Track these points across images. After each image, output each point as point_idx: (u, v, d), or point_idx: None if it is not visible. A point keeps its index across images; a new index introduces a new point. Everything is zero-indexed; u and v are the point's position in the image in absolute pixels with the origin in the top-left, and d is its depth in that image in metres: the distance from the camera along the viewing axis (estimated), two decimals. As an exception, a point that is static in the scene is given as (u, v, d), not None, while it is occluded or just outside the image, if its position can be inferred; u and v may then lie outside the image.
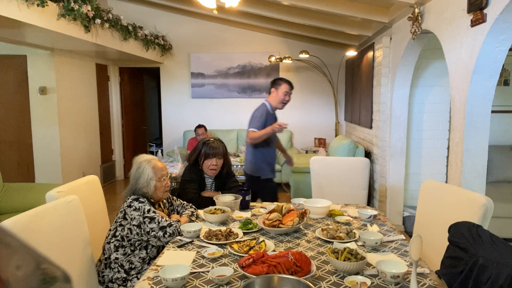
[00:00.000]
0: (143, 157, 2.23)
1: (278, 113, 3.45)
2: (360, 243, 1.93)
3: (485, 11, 2.32)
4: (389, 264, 1.58)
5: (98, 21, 4.08)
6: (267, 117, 3.29)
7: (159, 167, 2.19)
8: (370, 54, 4.92)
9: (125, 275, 2.06)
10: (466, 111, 2.58)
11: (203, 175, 2.85)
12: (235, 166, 5.16)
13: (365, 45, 5.42)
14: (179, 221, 2.15)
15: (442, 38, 2.96)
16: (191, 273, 1.61)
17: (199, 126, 5.96)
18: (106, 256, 2.09)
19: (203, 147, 2.78)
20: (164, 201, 2.36)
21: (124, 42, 5.05)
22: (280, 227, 2.07)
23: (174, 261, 1.73)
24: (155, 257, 2.10)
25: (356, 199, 3.18)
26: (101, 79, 6.50)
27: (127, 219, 2.05)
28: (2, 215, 3.50)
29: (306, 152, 6.51)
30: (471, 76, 2.50)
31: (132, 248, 2.07)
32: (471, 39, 2.51)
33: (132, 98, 7.49)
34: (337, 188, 3.21)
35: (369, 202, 4.99)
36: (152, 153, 7.22)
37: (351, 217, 2.40)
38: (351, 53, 5.67)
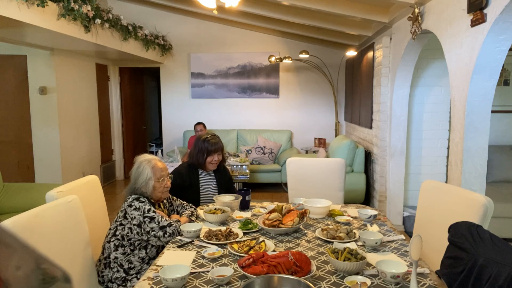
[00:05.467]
0: (144, 157, 2.24)
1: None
2: (360, 243, 1.93)
3: (485, 11, 2.32)
4: (389, 264, 1.58)
5: (98, 21, 4.08)
6: None
7: (158, 168, 2.19)
8: (370, 54, 4.92)
9: (124, 275, 2.06)
10: (466, 111, 2.58)
11: (199, 174, 2.88)
12: (235, 166, 5.16)
13: (365, 45, 5.42)
14: (179, 221, 2.15)
15: (442, 38, 2.96)
16: (191, 273, 1.61)
17: (198, 123, 5.97)
18: (105, 255, 2.10)
19: (205, 144, 2.81)
20: (164, 201, 2.37)
21: (124, 42, 5.05)
22: (280, 227, 2.07)
23: (174, 261, 1.73)
24: (154, 257, 2.10)
25: (332, 201, 3.10)
26: (101, 79, 6.50)
27: (127, 219, 2.05)
28: (2, 215, 3.50)
29: (306, 152, 6.51)
30: (471, 76, 2.50)
31: (132, 248, 2.07)
32: (471, 39, 2.51)
33: (132, 98, 7.49)
34: (312, 189, 3.12)
35: (368, 202, 4.99)
36: (152, 153, 7.21)
37: (351, 217, 2.40)
38: (351, 53, 5.67)
